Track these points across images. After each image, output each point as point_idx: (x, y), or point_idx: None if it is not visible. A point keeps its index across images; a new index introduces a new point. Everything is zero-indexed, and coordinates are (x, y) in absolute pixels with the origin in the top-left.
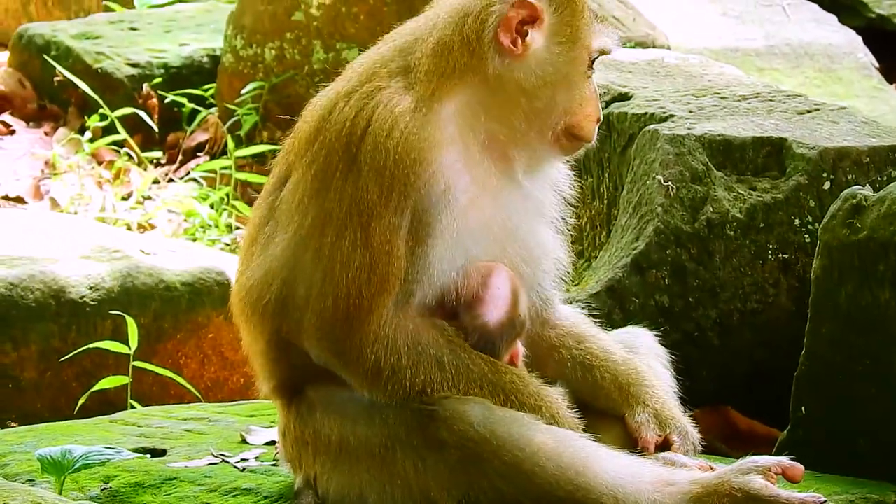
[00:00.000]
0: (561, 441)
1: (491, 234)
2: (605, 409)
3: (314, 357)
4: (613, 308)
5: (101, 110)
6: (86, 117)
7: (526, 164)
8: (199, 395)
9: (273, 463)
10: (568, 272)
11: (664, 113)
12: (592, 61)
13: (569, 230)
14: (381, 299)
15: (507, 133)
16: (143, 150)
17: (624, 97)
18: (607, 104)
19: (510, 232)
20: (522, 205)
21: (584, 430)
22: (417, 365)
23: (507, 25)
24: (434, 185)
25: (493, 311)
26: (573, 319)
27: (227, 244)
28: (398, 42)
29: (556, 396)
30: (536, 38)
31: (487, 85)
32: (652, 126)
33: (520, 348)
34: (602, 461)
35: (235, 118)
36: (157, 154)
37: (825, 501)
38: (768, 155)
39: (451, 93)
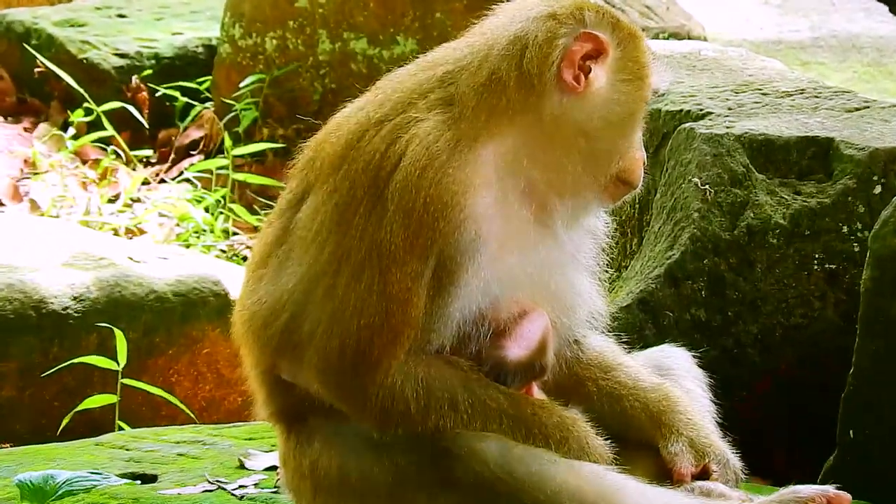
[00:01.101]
0: (584, 479)
1: (521, 285)
2: (639, 439)
3: (314, 393)
4: (646, 322)
5: (86, 104)
6: (69, 112)
7: (569, 213)
8: (192, 416)
9: (274, 490)
10: (604, 319)
11: (701, 110)
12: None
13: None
14: (392, 349)
15: (552, 179)
16: (132, 148)
17: (656, 93)
18: None
19: (543, 283)
20: (557, 255)
21: (615, 459)
22: (428, 408)
23: (571, 59)
24: (464, 232)
25: (516, 350)
26: (600, 349)
27: (224, 251)
28: (438, 71)
29: (583, 424)
30: (600, 74)
31: (541, 125)
32: (688, 124)
33: (535, 385)
34: (630, 498)
35: (233, 114)
36: (148, 152)
37: None
38: (814, 156)
39: (497, 133)
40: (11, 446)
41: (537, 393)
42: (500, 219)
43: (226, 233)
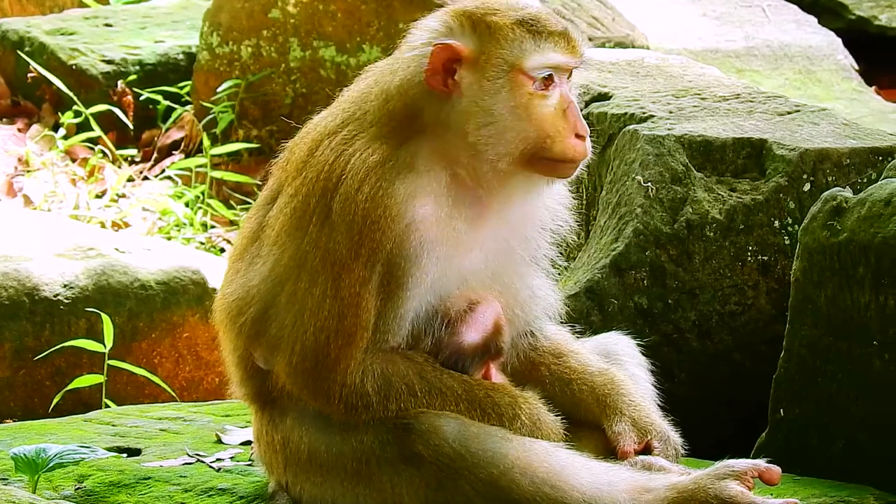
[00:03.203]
0: (535, 455)
1: (472, 282)
2: (587, 419)
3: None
4: (592, 309)
5: (75, 107)
6: (60, 114)
7: (504, 198)
8: (174, 395)
9: (248, 463)
10: (558, 310)
11: (644, 113)
12: (546, 79)
13: (558, 261)
14: (348, 350)
15: (470, 174)
16: (118, 147)
17: (603, 97)
18: (587, 104)
19: (495, 279)
20: (508, 250)
21: (566, 435)
22: (388, 400)
23: (432, 69)
24: (406, 240)
25: (471, 335)
26: (554, 338)
27: (202, 243)
28: (372, 80)
29: (535, 403)
30: (465, 75)
31: (442, 130)
32: (632, 126)
33: (493, 367)
34: (577, 473)
35: (211, 116)
36: (132, 152)
37: None
38: (748, 156)
39: (409, 142)
40: (12, 421)
41: (497, 376)
42: (441, 223)
43: (204, 226)
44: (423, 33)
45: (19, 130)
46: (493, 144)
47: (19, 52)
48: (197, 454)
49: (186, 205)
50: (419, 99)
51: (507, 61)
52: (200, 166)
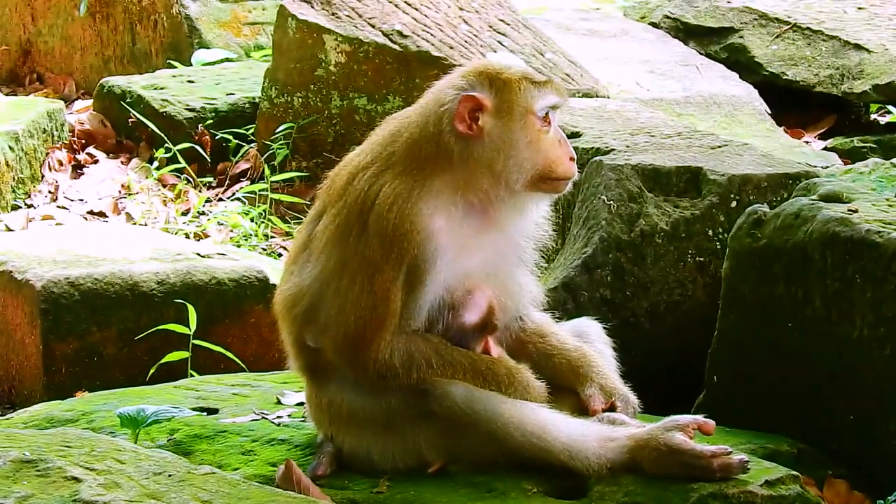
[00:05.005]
0: (525, 413)
1: (474, 279)
2: (565, 386)
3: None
4: (567, 300)
5: (165, 145)
6: (153, 150)
7: (507, 214)
8: (243, 367)
9: (302, 420)
10: (541, 300)
11: (607, 147)
12: (545, 118)
13: (540, 263)
14: (380, 333)
15: (481, 197)
16: (199, 176)
17: (575, 135)
18: None
19: (491, 276)
20: (502, 253)
21: (549, 397)
22: (411, 369)
23: (460, 117)
24: (424, 247)
25: (471, 316)
26: (539, 322)
27: (264, 249)
28: (395, 128)
29: (526, 373)
30: (486, 120)
31: (461, 164)
32: (597, 157)
33: (491, 341)
34: (558, 426)
35: (270, 151)
36: (210, 179)
37: (731, 451)
38: (688, 180)
39: (433, 175)
40: (118, 388)
41: (495, 349)
42: (450, 233)
43: (266, 236)
44: (452, 90)
45: (122, 163)
46: (515, 171)
47: (122, 102)
48: (262, 412)
49: (251, 220)
50: (451, 142)
51: (522, 106)
52: (262, 190)
